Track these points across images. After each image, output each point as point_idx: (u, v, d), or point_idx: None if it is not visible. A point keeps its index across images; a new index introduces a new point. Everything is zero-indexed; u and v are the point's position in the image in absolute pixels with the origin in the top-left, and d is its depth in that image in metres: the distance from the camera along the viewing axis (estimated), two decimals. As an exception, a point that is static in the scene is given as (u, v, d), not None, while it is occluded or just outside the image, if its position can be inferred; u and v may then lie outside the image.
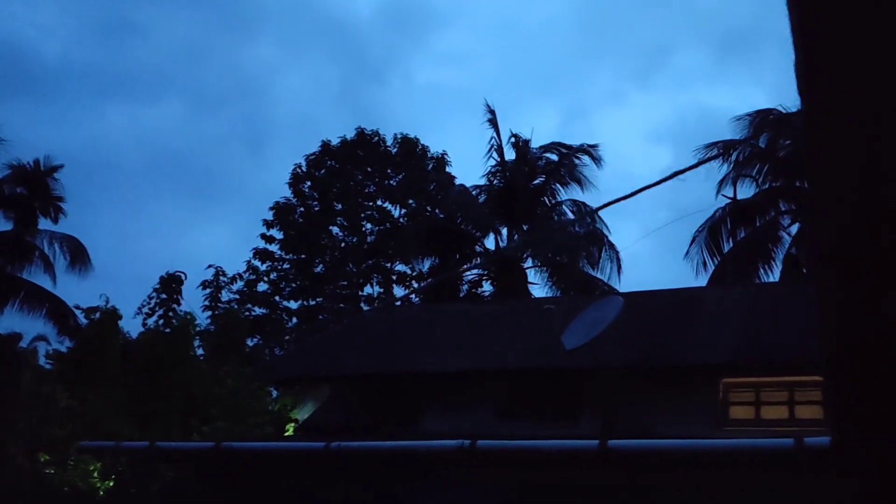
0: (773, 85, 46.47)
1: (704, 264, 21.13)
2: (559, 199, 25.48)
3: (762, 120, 21.96)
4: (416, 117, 55.19)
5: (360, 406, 9.71)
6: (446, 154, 27.73)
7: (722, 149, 21.75)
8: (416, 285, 26.59)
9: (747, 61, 49.74)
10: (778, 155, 21.86)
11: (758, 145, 21.85)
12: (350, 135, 26.87)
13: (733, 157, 21.68)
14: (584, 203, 25.16)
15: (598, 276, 22.97)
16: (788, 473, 5.51)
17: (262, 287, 24.16)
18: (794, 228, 21.07)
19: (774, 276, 20.27)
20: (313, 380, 10.17)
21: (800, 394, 8.14)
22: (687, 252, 21.16)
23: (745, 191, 21.94)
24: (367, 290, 26.06)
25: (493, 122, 25.20)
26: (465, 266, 25.75)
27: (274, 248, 24.93)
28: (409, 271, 26.70)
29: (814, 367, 8.23)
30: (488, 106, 24.99)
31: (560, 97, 46.89)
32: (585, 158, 24.81)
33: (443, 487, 6.60)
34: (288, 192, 25.87)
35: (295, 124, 52.74)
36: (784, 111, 22.03)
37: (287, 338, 23.31)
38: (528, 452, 6.32)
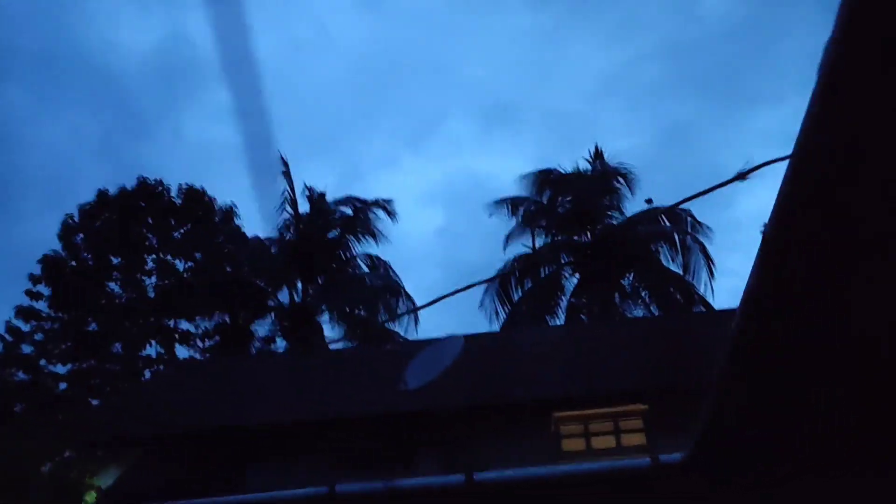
0: (533, 153, 50.38)
1: (497, 313, 22.12)
2: (355, 253, 25.52)
3: (544, 179, 23.72)
4: (187, 173, 52.81)
5: (178, 465, 8.88)
6: (235, 206, 26.80)
7: (510, 205, 23.16)
8: (201, 344, 25.11)
9: (511, 131, 53.76)
10: (558, 211, 23.67)
11: (541, 202, 23.49)
12: (114, 188, 25.05)
13: (521, 212, 23.12)
14: (377, 256, 25.42)
15: (395, 327, 23.19)
16: (645, 492, 5.81)
17: (26, 349, 21.52)
18: (575, 279, 22.80)
19: (560, 321, 21.68)
20: (122, 440, 9.16)
21: (623, 423, 8.67)
22: (481, 302, 22.05)
23: (528, 243, 23.44)
24: (149, 350, 24.14)
25: (287, 175, 24.84)
26: (257, 321, 24.79)
27: (42, 305, 22.40)
28: (193, 329, 25.15)
29: (635, 397, 8.84)
30: (282, 158, 24.62)
31: (335, 158, 47.51)
32: (380, 212, 25.17)
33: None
34: (57, 245, 23.50)
35: (50, 178, 48.15)
36: (563, 171, 24.00)
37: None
38: (395, 492, 6.11)
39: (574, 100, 52.05)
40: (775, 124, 45.55)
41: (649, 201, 23.20)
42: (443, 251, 43.94)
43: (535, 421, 8.86)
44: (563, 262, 22.94)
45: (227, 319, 24.63)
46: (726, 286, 23.24)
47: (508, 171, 48.34)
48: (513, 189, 23.75)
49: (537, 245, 23.03)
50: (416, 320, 23.21)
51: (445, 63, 53.30)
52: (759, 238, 3.33)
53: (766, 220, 3.06)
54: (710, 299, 20.59)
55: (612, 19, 50.59)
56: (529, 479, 6.06)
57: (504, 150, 53.01)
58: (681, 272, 21.08)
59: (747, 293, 3.57)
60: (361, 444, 9.00)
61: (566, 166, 24.20)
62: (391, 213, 24.99)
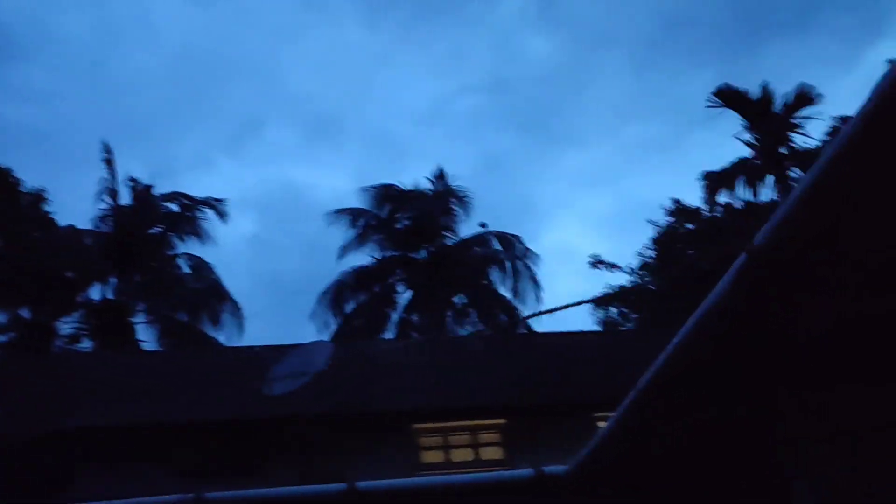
0: (353, 169, 50.44)
1: (327, 324, 21.78)
2: (177, 252, 24.10)
3: (385, 194, 23.78)
4: (-7, 153, 47.54)
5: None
6: (45, 191, 24.43)
7: (351, 216, 22.98)
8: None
9: (332, 145, 53.50)
10: (395, 226, 23.82)
11: (380, 216, 23.51)
12: None
13: (360, 224, 23.00)
14: (200, 258, 24.17)
15: (218, 333, 22.13)
16: (532, 502, 5.94)
17: None
18: (408, 294, 22.99)
19: (391, 335, 21.75)
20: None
21: (482, 436, 8.84)
22: (313, 312, 21.62)
23: (365, 257, 23.36)
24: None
25: (109, 163, 23.06)
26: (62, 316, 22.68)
27: None
28: (-17, 322, 22.55)
29: (494, 411, 9.05)
30: (106, 145, 22.84)
31: (147, 153, 44.69)
32: (210, 212, 24.00)
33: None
34: None
35: None
36: (403, 188, 24.20)
37: None
38: (268, 500, 5.80)
39: (397, 122, 52.73)
40: (582, 164, 48.79)
41: (483, 225, 23.97)
42: (253, 259, 42.70)
43: (395, 432, 8.81)
44: (397, 277, 23.06)
45: (27, 314, 22.32)
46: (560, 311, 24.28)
47: (328, 184, 47.86)
48: (332, 202, 23.65)
49: (373, 259, 23.00)
50: (241, 328, 22.31)
51: (271, 68, 52.04)
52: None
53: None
54: (535, 322, 21.50)
55: (442, 49, 52.01)
56: (412, 488, 5.99)
57: (324, 162, 52.51)
58: (511, 295, 21.89)
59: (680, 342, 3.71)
60: (212, 450, 8.49)
61: (406, 183, 24.45)
62: (222, 214, 23.91)
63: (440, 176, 24.16)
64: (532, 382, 9.51)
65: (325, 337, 21.66)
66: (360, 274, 22.72)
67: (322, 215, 23.45)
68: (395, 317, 22.50)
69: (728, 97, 21.22)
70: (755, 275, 3.12)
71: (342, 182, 51.48)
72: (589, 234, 47.08)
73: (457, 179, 24.26)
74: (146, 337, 22.25)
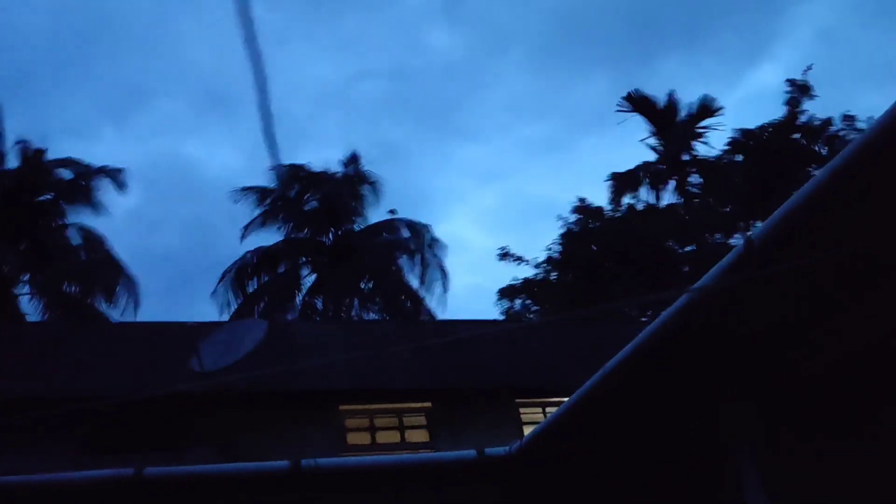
0: (247, 146, 49.07)
1: (229, 303, 21.21)
2: (68, 222, 22.83)
3: (294, 174, 23.33)
4: None
5: None
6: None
7: (258, 194, 22.43)
8: None
9: (225, 122, 51.79)
10: (303, 208, 23.43)
11: (289, 196, 23.06)
12: None
13: (268, 203, 22.50)
14: (93, 229, 23.01)
15: (112, 308, 21.12)
16: (473, 482, 6.03)
17: None
18: (312, 278, 22.68)
19: (293, 317, 21.39)
20: None
21: (408, 419, 8.88)
22: (214, 291, 21.01)
23: (269, 237, 22.86)
24: None
25: (-3, 120, 21.56)
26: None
27: None
28: None
29: (420, 395, 9.10)
30: (-6, 101, 21.32)
31: (23, 116, 41.86)
32: (107, 181, 22.84)
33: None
34: None
35: None
36: (313, 169, 23.83)
37: None
38: (211, 478, 5.64)
39: (294, 102, 51.67)
40: (477, 158, 49.48)
41: (393, 212, 23.93)
42: (133, 233, 40.91)
43: (320, 413, 8.73)
44: (303, 259, 22.71)
45: None
46: (455, 301, 24.57)
47: (219, 161, 46.34)
48: (223, 179, 23.06)
49: (279, 239, 22.56)
50: (137, 304, 21.39)
51: (164, 38, 49.84)
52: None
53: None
54: (441, 312, 21.67)
55: (344, 32, 51.35)
56: (356, 467, 5.97)
57: (216, 138, 50.82)
58: (419, 283, 21.96)
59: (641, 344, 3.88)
60: (124, 425, 8.15)
61: (315, 165, 24.07)
62: (121, 185, 22.82)
63: (352, 160, 23.93)
64: (454, 368, 9.62)
65: (226, 316, 21.13)
66: (264, 254, 22.21)
67: (211, 191, 22.98)
68: (298, 299, 22.18)
69: (637, 102, 22.08)
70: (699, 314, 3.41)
71: (233, 159, 49.94)
72: (480, 228, 47.80)
73: (369, 164, 24.09)
74: (30, 309, 21.03)
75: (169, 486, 5.64)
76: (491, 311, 23.70)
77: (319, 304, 22.65)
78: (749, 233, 2.72)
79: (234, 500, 5.98)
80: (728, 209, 21.22)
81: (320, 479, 5.88)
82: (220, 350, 7.44)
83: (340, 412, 8.77)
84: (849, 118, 18.80)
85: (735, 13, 44.94)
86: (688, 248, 21.19)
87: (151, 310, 28.84)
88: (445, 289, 21.98)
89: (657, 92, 23.04)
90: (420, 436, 8.75)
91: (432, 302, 22.11)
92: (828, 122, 19.09)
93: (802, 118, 19.32)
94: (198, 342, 7.63)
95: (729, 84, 46.01)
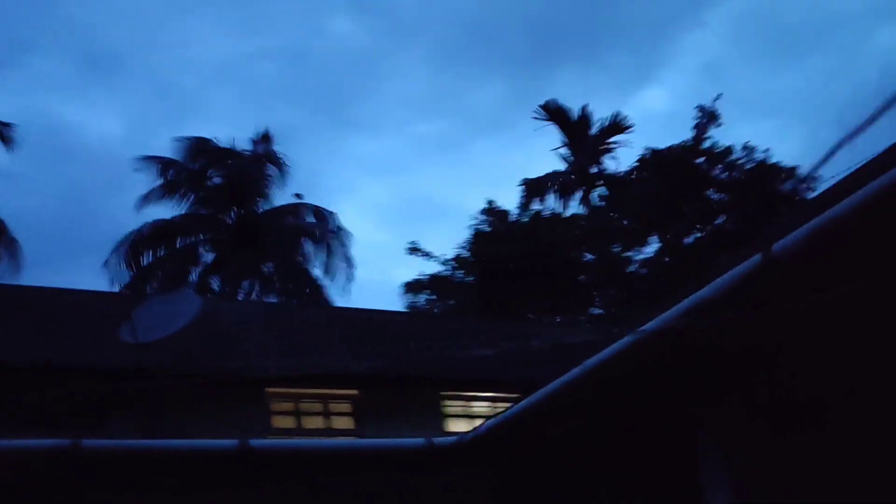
0: (131, 114, 46.59)
1: (121, 275, 20.21)
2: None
3: (198, 147, 22.47)
4: None
5: None
6: None
7: (161, 165, 21.48)
8: None
9: (109, 86, 48.99)
10: (206, 183, 22.61)
11: (193, 169, 22.19)
12: None
13: (171, 175, 21.58)
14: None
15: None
16: (420, 470, 6.03)
17: None
18: (211, 256, 21.93)
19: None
20: None
21: (333, 405, 8.78)
22: (106, 261, 19.94)
23: (169, 211, 21.92)
24: None
25: None
26: None
27: None
28: None
29: (348, 381, 9.01)
30: None
31: None
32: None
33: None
34: None
35: None
36: (219, 144, 23.03)
37: None
38: (154, 454, 5.38)
39: (186, 74, 49.64)
40: (370, 151, 49.29)
41: (299, 196, 23.46)
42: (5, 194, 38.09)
43: (246, 394, 8.48)
44: (203, 237, 21.92)
45: None
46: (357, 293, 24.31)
47: (99, 126, 43.79)
48: (101, 145, 21.95)
49: (179, 213, 21.68)
50: (19, 268, 20.00)
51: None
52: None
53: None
54: (343, 301, 21.46)
55: (244, 8, 49.79)
56: (300, 449, 5.85)
57: (97, 103, 47.92)
58: (322, 270, 21.66)
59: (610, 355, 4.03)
60: (43, 396, 7.63)
61: (222, 139, 23.26)
62: (7, 140, 21.24)
63: (264, 138, 23.29)
64: (382, 357, 9.58)
65: (116, 287, 20.13)
66: (162, 227, 21.28)
67: (92, 156, 21.68)
68: (194, 277, 21.40)
69: (552, 112, 22.66)
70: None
71: (114, 126, 47.24)
72: (368, 220, 47.61)
73: (279, 144, 23.52)
74: None
75: (107, 460, 5.34)
76: (382, 303, 23.69)
77: (216, 284, 21.95)
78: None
79: (173, 477, 5.74)
80: (627, 223, 22.12)
81: (266, 461, 5.73)
82: (153, 322, 7.10)
83: (267, 395, 8.55)
84: (748, 148, 20.07)
85: (629, 35, 46.93)
86: (588, 257, 21.95)
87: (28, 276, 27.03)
88: (349, 278, 21.80)
89: (572, 104, 23.70)
90: (345, 423, 8.66)
91: (334, 291, 21.87)
92: (729, 149, 20.28)
93: (707, 144, 20.44)
94: (131, 312, 7.25)
95: (618, 103, 47.95)
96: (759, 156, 19.86)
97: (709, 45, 45.82)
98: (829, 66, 46.80)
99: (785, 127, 44.13)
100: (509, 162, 47.13)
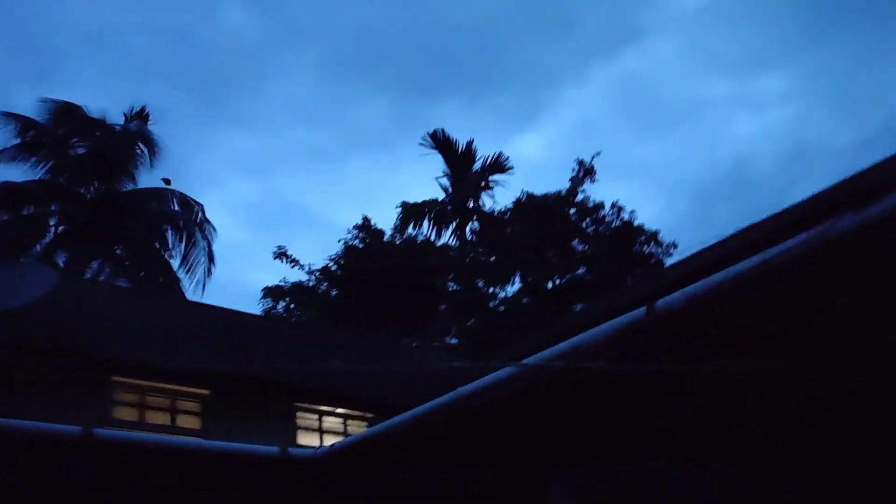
0: None
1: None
2: None
3: (66, 113, 21.11)
4: None
5: None
6: None
7: (20, 123, 19.98)
8: None
9: None
10: (70, 152, 21.25)
11: (56, 134, 20.79)
12: None
13: (30, 136, 20.11)
14: None
15: None
16: (270, 481, 5.88)
17: None
18: (62, 229, 20.55)
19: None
20: None
21: (181, 403, 8.43)
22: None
23: (19, 173, 20.38)
24: None
25: None
26: None
27: None
28: None
29: (200, 380, 8.69)
30: None
31: None
32: None
33: None
34: None
35: None
36: (90, 115, 21.76)
37: None
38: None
39: (56, 34, 46.79)
40: (243, 148, 48.28)
41: (167, 181, 22.47)
42: None
43: (88, 380, 8.01)
44: (56, 207, 20.53)
45: None
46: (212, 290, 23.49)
47: None
48: None
49: (33, 179, 20.20)
50: None
51: None
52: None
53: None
54: (197, 296, 20.64)
55: None
56: (148, 444, 5.55)
57: None
58: (180, 262, 20.79)
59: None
60: None
61: (93, 109, 21.96)
62: None
63: (139, 114, 22.20)
64: (237, 361, 9.31)
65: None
66: (11, 189, 19.75)
67: None
68: (38, 249, 19.94)
69: (440, 142, 23.00)
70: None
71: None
72: (233, 218, 46.40)
73: (154, 124, 22.50)
74: None
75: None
76: (236, 304, 22.97)
77: (61, 260, 20.55)
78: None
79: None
80: (494, 260, 22.68)
81: (107, 452, 5.42)
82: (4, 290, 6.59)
83: (111, 383, 8.10)
84: (616, 207, 21.21)
85: (516, 79, 48.71)
86: (453, 288, 22.31)
87: None
88: (209, 274, 21.01)
89: (452, 135, 24.10)
90: (192, 422, 8.33)
91: (190, 284, 21.00)
92: (600, 205, 21.32)
93: (580, 196, 21.41)
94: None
95: (495, 142, 49.38)
96: (625, 216, 21.04)
97: (588, 102, 48.25)
98: (690, 143, 50.46)
99: (645, 191, 47.06)
100: (384, 182, 47.37)
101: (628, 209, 21.33)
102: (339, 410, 9.47)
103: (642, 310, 3.17)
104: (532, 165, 40.63)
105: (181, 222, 21.78)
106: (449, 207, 22.98)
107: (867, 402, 3.03)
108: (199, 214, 22.21)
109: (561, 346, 3.62)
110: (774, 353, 2.76)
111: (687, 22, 51.12)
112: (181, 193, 22.40)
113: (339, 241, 22.53)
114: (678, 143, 50.83)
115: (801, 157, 48.69)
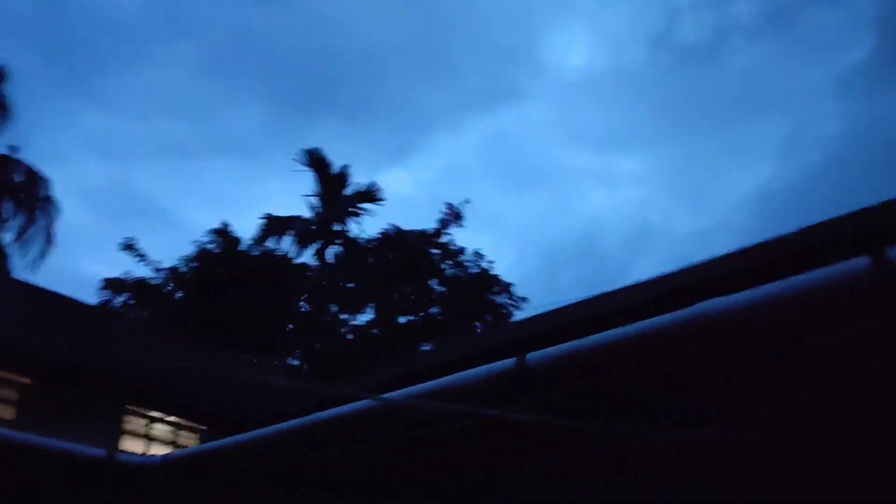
0: None
1: None
2: None
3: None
4: None
5: None
6: None
7: None
8: None
9: None
10: None
11: None
12: None
13: None
14: None
15: None
16: (92, 487, 5.49)
17: None
18: None
19: None
20: None
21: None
22: None
23: None
24: None
25: None
26: None
27: None
28: None
29: (17, 363, 8.05)
30: None
31: None
32: None
33: None
34: None
35: None
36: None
37: None
38: None
39: None
40: (101, 130, 45.71)
41: (13, 149, 20.82)
42: None
43: None
44: None
45: None
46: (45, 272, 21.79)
47: None
48: None
49: None
50: None
51: None
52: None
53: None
54: (28, 277, 19.10)
55: None
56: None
57: None
58: (15, 238, 19.23)
59: None
60: None
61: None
62: None
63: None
64: (66, 351, 8.69)
65: None
66: None
67: None
68: None
69: (315, 161, 22.72)
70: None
71: None
72: (78, 200, 43.61)
73: (12, 84, 20.82)
74: None
75: None
76: (69, 290, 21.51)
77: None
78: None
79: None
80: (352, 287, 22.54)
81: None
82: None
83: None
84: (477, 254, 21.71)
85: (393, 113, 49.34)
86: (304, 308, 21.93)
87: None
88: (44, 255, 19.55)
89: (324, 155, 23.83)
90: (8, 412, 7.67)
91: (21, 263, 19.45)
92: (462, 250, 21.73)
93: (445, 238, 21.76)
94: None
95: (365, 172, 49.45)
96: (484, 264, 21.55)
97: (458, 149, 49.49)
98: (547, 206, 52.79)
99: (499, 243, 48.60)
100: (247, 190, 46.16)
101: (489, 259, 21.92)
102: (171, 418, 9.03)
103: (512, 360, 3.27)
104: (396, 201, 40.97)
105: (22, 195, 20.22)
106: (314, 227, 22.68)
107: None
108: (44, 189, 20.71)
109: (427, 384, 3.64)
110: (643, 417, 2.90)
111: (561, 92, 53.89)
112: (28, 164, 20.82)
113: (192, 242, 21.67)
114: (536, 203, 53.05)
115: (643, 236, 52.07)
